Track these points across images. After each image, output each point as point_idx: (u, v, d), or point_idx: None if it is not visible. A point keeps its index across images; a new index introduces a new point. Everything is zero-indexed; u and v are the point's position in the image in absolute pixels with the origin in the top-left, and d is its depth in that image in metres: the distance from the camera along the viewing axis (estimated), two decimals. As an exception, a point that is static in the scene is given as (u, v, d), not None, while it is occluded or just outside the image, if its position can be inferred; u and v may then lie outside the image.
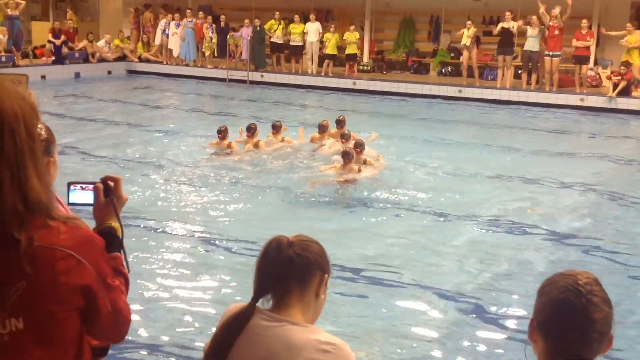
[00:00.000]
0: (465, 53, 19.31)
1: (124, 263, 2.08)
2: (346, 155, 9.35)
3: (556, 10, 17.43)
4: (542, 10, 17.60)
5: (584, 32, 17.84)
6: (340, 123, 11.50)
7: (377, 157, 10.20)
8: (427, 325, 5.41)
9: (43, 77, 20.28)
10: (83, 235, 1.83)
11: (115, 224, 2.11)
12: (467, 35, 18.95)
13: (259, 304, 2.12)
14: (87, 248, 1.82)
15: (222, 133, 11.06)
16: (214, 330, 2.16)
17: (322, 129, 11.46)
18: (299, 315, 2.11)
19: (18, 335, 1.73)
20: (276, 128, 11.51)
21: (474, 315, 5.62)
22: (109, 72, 22.63)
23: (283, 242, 2.13)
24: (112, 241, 2.04)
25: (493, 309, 5.74)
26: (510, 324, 5.49)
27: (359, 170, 9.36)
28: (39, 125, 2.18)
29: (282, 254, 2.10)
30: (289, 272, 2.10)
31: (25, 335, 1.74)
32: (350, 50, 20.68)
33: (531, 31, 17.93)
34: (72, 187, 2.12)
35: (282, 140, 11.39)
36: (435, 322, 5.48)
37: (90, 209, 2.12)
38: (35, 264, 1.71)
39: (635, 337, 5.27)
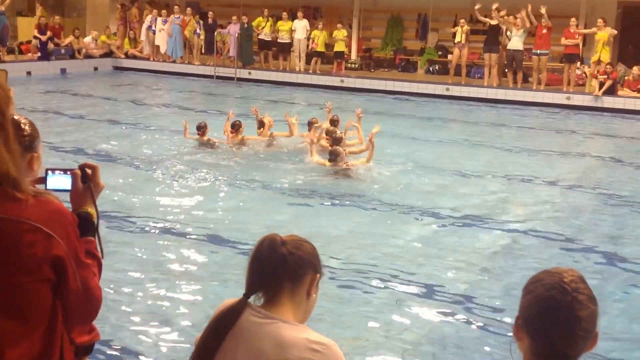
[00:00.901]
0: (456, 51, 19.35)
1: (98, 247, 2.10)
2: (332, 155, 9.41)
3: (543, 10, 17.52)
4: (529, 10, 17.69)
5: (572, 30, 17.93)
6: (334, 123, 11.48)
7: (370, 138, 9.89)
8: (412, 323, 5.41)
9: (29, 73, 20.14)
10: (53, 209, 1.85)
11: (91, 209, 2.14)
12: (460, 32, 18.99)
13: (250, 301, 2.12)
14: (57, 221, 1.84)
15: (202, 130, 11.05)
16: (204, 325, 2.15)
17: (311, 126, 11.43)
18: (290, 314, 2.11)
19: None
20: (261, 123, 11.54)
21: (459, 313, 5.62)
22: (95, 69, 22.50)
23: (276, 240, 2.12)
24: (88, 226, 2.07)
25: (478, 307, 5.75)
26: (496, 322, 5.49)
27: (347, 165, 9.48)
28: (22, 120, 2.17)
29: (275, 252, 2.10)
30: (282, 270, 2.10)
31: None
32: (338, 47, 20.68)
33: (515, 30, 18.01)
34: (50, 172, 2.15)
35: (271, 136, 11.41)
36: (419, 319, 5.48)
37: (67, 195, 2.14)
38: (1, 237, 1.74)
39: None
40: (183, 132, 11.40)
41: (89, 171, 2.15)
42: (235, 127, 11.18)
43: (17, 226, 1.76)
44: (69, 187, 2.14)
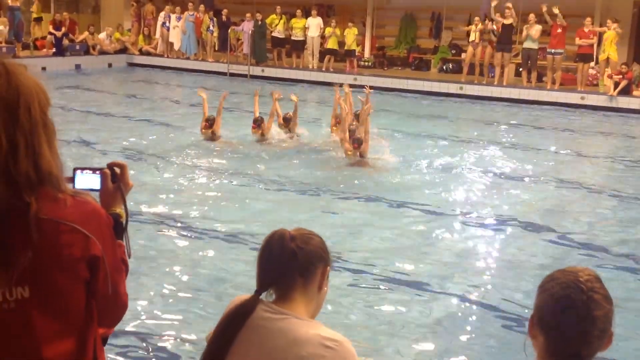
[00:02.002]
0: (470, 49, 19.28)
1: (126, 250, 2.10)
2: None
3: (556, 10, 17.46)
4: (544, 9, 17.64)
5: (586, 30, 17.83)
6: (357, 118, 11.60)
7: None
8: (425, 321, 5.41)
9: (44, 68, 20.24)
10: (90, 209, 1.86)
11: (120, 210, 2.13)
12: (474, 31, 18.94)
13: (262, 297, 2.12)
14: (94, 222, 1.85)
15: (257, 123, 11.36)
16: (216, 321, 2.16)
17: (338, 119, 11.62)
18: (302, 308, 2.11)
19: (23, 303, 1.78)
20: (287, 120, 11.87)
21: (472, 311, 5.62)
22: (110, 65, 22.61)
23: (285, 235, 2.12)
24: (117, 228, 2.06)
25: (492, 304, 5.74)
26: (510, 319, 5.48)
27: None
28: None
29: (285, 248, 2.10)
30: (293, 266, 2.10)
31: (31, 303, 1.79)
32: (349, 46, 20.67)
33: (530, 29, 17.95)
34: (79, 171, 2.12)
35: (289, 132, 11.66)
36: (433, 318, 5.48)
37: (96, 194, 2.11)
38: (41, 236, 1.75)
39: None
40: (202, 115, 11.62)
41: (117, 170, 2.13)
42: (257, 123, 11.42)
43: (56, 227, 1.77)
44: (97, 186, 2.12)
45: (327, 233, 5.61)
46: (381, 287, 6.01)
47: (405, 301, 5.75)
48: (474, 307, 5.72)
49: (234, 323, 2.07)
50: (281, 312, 2.07)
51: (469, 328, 5.36)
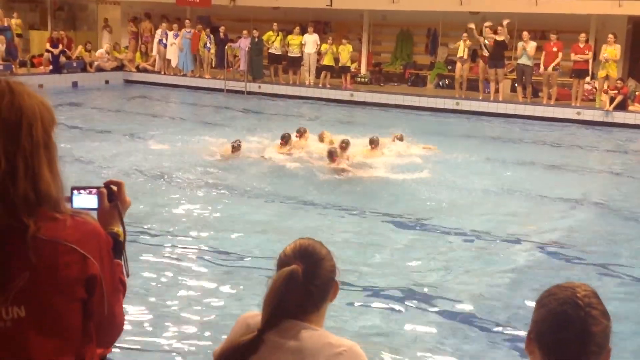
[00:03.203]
0: (458, 65, 19.42)
1: (124, 269, 2.09)
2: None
3: (553, 37, 17.73)
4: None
5: (581, 45, 17.94)
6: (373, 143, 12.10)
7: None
8: (421, 336, 5.39)
9: (40, 85, 20.23)
10: (90, 229, 1.86)
11: (118, 229, 2.13)
12: (463, 47, 19.07)
13: None
14: (93, 242, 1.85)
15: (285, 139, 11.70)
16: (223, 337, 2.15)
17: (374, 143, 12.04)
18: (314, 323, 2.11)
19: (19, 323, 1.78)
20: (300, 132, 12.38)
21: (469, 327, 5.61)
22: (107, 82, 22.64)
23: (296, 275, 2.04)
24: (115, 247, 2.05)
25: (490, 320, 5.73)
26: (507, 335, 5.47)
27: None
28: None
29: (298, 290, 2.05)
30: (308, 304, 2.09)
31: (27, 323, 1.79)
32: (344, 62, 20.79)
33: (525, 45, 18.07)
34: (75, 191, 2.12)
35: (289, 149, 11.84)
36: (430, 333, 5.46)
37: (94, 213, 2.11)
38: (38, 257, 1.76)
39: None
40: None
41: (114, 188, 2.14)
42: (285, 139, 11.83)
43: (54, 247, 1.77)
44: (95, 205, 2.12)
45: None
46: (372, 298, 5.99)
47: (400, 314, 5.73)
48: (472, 323, 5.70)
49: (240, 357, 2.05)
50: (290, 330, 2.05)
51: (469, 344, 5.35)
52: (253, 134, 13.65)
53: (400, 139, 12.76)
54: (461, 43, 19.17)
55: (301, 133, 12.45)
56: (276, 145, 12.03)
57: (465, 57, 19.11)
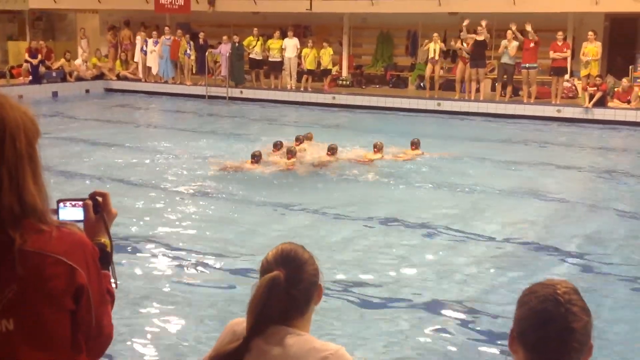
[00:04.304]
0: (429, 66, 19.54)
1: (112, 280, 2.09)
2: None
3: (528, 27, 17.73)
4: (514, 28, 17.94)
5: (560, 43, 18.09)
6: (414, 145, 12.40)
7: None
8: (409, 335, 5.41)
9: (20, 96, 20.10)
10: (76, 240, 1.86)
11: (105, 239, 2.12)
12: (433, 49, 19.19)
13: None
14: (79, 253, 1.84)
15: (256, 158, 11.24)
16: (212, 343, 2.14)
17: (377, 148, 12.07)
18: (299, 327, 2.10)
19: (8, 336, 1.77)
20: (299, 139, 12.36)
21: (455, 326, 5.63)
22: (87, 91, 22.52)
23: (278, 281, 2.04)
24: (102, 258, 2.04)
25: (474, 319, 5.75)
26: (491, 334, 5.50)
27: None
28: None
29: (281, 297, 2.04)
30: (291, 309, 2.08)
31: (15, 335, 1.78)
32: (325, 65, 20.81)
33: (507, 44, 18.17)
34: (61, 204, 2.11)
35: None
36: (415, 332, 5.48)
37: (81, 225, 2.11)
38: (25, 269, 1.75)
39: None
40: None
41: (99, 199, 2.13)
42: (277, 146, 11.92)
43: (41, 259, 1.77)
44: (81, 217, 2.11)
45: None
46: (363, 302, 6.00)
47: (387, 318, 5.75)
48: (457, 322, 5.73)
49: None
50: (275, 336, 2.05)
51: (454, 343, 5.37)
52: (238, 140, 13.65)
53: (380, 148, 12.24)
54: (431, 44, 19.30)
55: (300, 140, 12.44)
56: (268, 152, 11.93)
57: (437, 57, 19.22)
